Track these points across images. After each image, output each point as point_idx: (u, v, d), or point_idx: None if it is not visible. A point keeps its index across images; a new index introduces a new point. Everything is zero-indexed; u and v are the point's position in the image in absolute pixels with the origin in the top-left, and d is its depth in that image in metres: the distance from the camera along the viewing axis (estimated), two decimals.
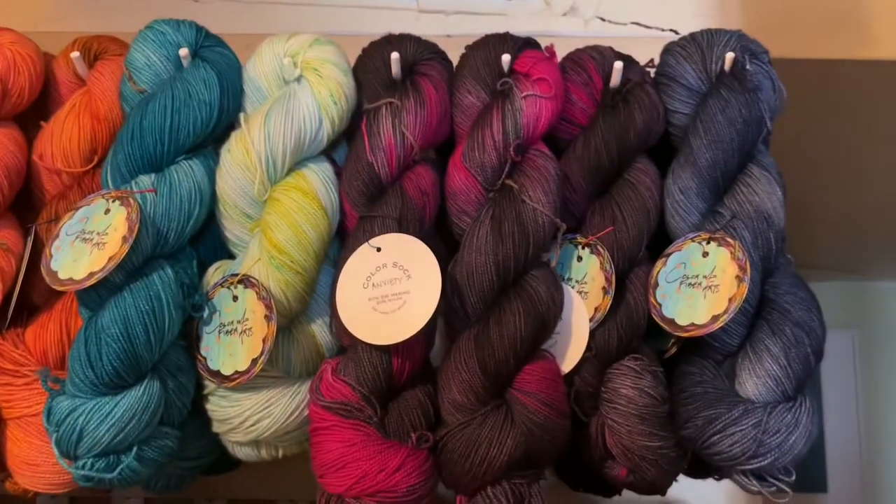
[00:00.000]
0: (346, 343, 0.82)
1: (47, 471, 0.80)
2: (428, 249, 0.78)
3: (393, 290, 0.77)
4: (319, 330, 0.84)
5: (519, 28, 1.29)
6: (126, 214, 0.76)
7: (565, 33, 1.26)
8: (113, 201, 0.78)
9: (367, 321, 0.77)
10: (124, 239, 0.74)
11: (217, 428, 0.82)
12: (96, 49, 0.91)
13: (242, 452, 0.83)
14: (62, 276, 0.75)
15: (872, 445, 2.61)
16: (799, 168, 0.99)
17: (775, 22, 1.26)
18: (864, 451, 2.61)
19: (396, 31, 1.24)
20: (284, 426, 0.80)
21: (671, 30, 1.27)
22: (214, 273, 0.84)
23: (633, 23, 1.28)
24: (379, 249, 0.79)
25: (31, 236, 0.83)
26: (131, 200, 0.77)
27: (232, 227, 0.85)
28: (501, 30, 1.28)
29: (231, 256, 0.86)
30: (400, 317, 0.76)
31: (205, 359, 0.80)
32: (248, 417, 0.80)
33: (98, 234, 0.76)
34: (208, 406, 0.82)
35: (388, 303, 0.77)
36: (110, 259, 0.74)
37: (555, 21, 1.27)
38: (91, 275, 0.74)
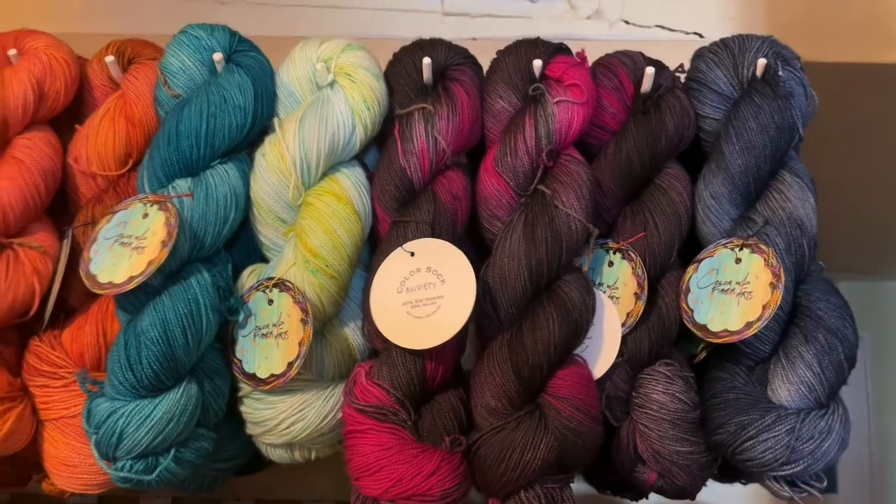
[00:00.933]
0: (378, 346, 0.82)
1: (84, 472, 0.81)
2: (462, 254, 0.78)
3: (427, 294, 0.78)
4: (352, 333, 0.84)
5: (543, 31, 1.30)
6: (165, 219, 0.77)
7: (590, 36, 1.26)
8: (151, 205, 0.78)
9: (401, 325, 0.78)
10: (163, 243, 0.75)
11: (251, 430, 0.83)
12: (130, 53, 0.92)
13: (276, 454, 0.83)
14: (102, 279, 0.76)
15: (884, 446, 2.60)
16: (813, 168, 1.00)
17: (799, 25, 1.26)
18: (875, 452, 2.60)
19: (421, 33, 1.24)
20: (318, 429, 0.81)
21: (695, 33, 1.27)
22: (249, 276, 0.84)
23: (657, 26, 1.28)
24: (412, 254, 0.80)
25: (68, 239, 0.84)
26: (169, 205, 0.77)
27: (266, 231, 0.85)
28: (526, 33, 1.28)
29: (263, 260, 0.87)
30: (434, 321, 0.77)
31: (240, 361, 0.80)
32: (283, 420, 0.80)
33: (137, 238, 0.77)
34: (243, 408, 0.82)
35: (422, 307, 0.78)
36: (150, 263, 0.74)
37: (579, 24, 1.28)
38: (131, 279, 0.74)
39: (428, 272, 0.79)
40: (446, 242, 0.79)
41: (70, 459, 0.80)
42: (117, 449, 0.74)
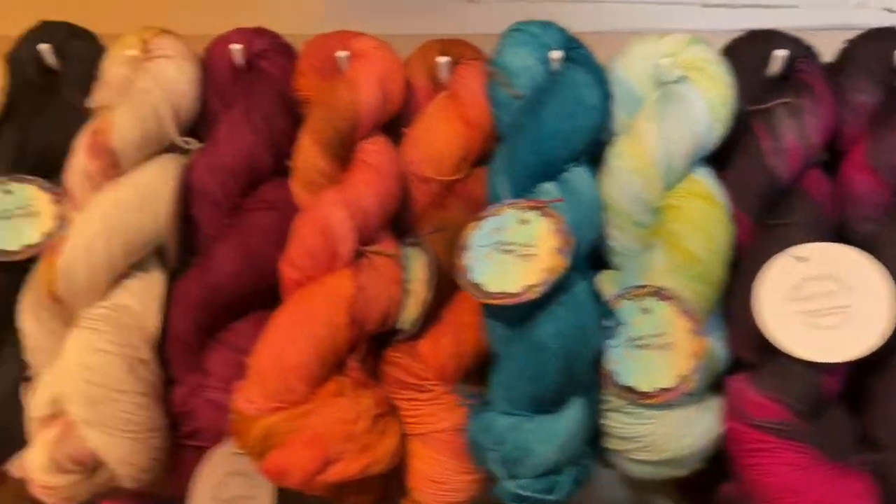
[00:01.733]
0: (746, 357, 0.78)
1: (451, 488, 0.77)
2: (869, 258, 0.73)
3: (830, 303, 0.73)
4: (715, 343, 0.80)
5: (810, 20, 1.23)
6: (552, 225, 0.73)
7: (859, 24, 1.19)
8: (527, 211, 0.75)
9: (800, 336, 0.72)
10: (559, 251, 0.71)
11: (617, 445, 0.78)
12: (453, 53, 0.88)
13: (641, 470, 0.79)
14: (491, 288, 0.72)
15: None
16: None
17: None
18: None
19: (680, 25, 1.18)
20: (702, 446, 0.76)
21: None
22: (604, 283, 0.80)
23: None
24: (803, 259, 0.75)
25: (425, 246, 0.81)
26: (551, 211, 0.74)
27: (619, 236, 0.81)
28: (791, 23, 1.21)
29: (603, 265, 0.83)
30: (843, 333, 0.72)
31: (613, 373, 0.76)
32: (664, 436, 0.76)
33: (521, 245, 0.73)
34: (609, 423, 0.78)
35: (825, 317, 0.72)
36: (550, 271, 0.71)
37: (848, 13, 1.21)
38: (529, 287, 0.71)
39: (827, 279, 0.73)
40: (847, 247, 0.74)
41: (438, 476, 0.77)
42: (520, 466, 0.71)
